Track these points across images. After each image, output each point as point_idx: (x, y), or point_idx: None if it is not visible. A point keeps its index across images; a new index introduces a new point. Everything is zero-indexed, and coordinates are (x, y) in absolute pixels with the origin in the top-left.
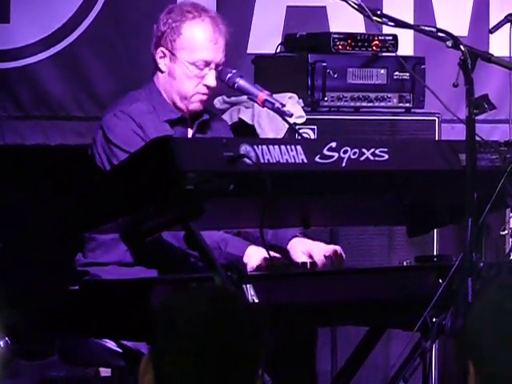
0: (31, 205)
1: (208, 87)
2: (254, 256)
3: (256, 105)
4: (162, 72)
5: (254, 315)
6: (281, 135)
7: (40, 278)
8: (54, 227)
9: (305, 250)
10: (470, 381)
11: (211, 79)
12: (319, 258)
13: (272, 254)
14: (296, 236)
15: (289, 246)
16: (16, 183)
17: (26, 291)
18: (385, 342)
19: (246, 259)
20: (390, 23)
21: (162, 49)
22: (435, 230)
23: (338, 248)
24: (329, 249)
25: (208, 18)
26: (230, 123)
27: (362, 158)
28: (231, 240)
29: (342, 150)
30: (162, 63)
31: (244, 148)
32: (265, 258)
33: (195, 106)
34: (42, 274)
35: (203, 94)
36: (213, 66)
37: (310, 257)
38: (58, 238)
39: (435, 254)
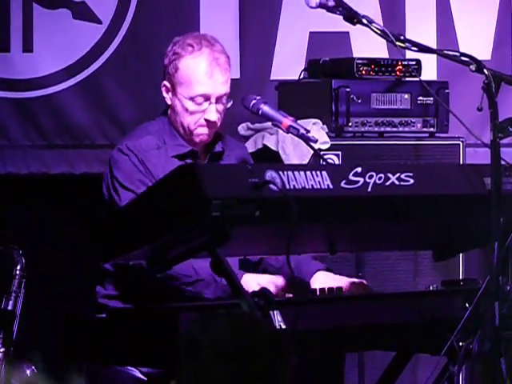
0: (57, 233)
1: (209, 122)
2: (251, 283)
3: (280, 131)
4: (168, 105)
5: (278, 341)
6: (305, 161)
7: (66, 306)
8: (81, 254)
9: (329, 284)
10: None
11: (212, 114)
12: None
13: (273, 278)
14: (319, 270)
15: (312, 280)
16: (41, 212)
17: (53, 318)
18: (412, 367)
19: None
20: (413, 48)
21: (165, 82)
22: (461, 254)
23: (362, 281)
24: (354, 281)
25: (208, 51)
26: (254, 150)
27: (388, 183)
28: None
29: (368, 175)
30: (168, 97)
31: (269, 174)
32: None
33: (201, 138)
34: (68, 302)
35: (205, 126)
36: (213, 100)
37: None
38: (83, 267)
39: (461, 278)
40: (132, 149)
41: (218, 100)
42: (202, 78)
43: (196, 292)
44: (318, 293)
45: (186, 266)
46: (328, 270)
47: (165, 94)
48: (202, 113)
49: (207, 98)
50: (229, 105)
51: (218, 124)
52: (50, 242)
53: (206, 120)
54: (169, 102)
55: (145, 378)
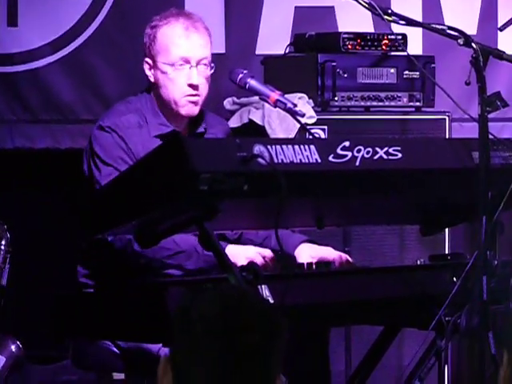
0: (42, 208)
1: (193, 86)
2: (239, 256)
3: (266, 105)
4: (152, 83)
5: (271, 313)
6: (291, 135)
7: (52, 281)
8: (66, 230)
9: (314, 255)
10: (503, 371)
11: (194, 77)
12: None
13: (260, 249)
14: (302, 242)
15: (296, 252)
16: (26, 186)
17: (38, 293)
18: (398, 342)
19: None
20: (400, 22)
21: (146, 59)
22: (446, 230)
23: (346, 256)
24: (338, 254)
25: (183, 19)
26: (239, 124)
27: (376, 157)
28: None
29: (356, 149)
30: (150, 74)
31: (258, 148)
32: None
33: (187, 109)
34: (54, 277)
35: (191, 95)
36: (193, 63)
37: None
38: (69, 244)
39: (447, 253)
40: (113, 127)
41: (199, 63)
42: (178, 41)
43: (177, 264)
44: (305, 267)
45: (166, 240)
46: (311, 241)
47: (147, 72)
48: (184, 77)
49: (187, 61)
50: (211, 71)
51: (204, 93)
52: (35, 216)
53: (189, 85)
54: (152, 79)
55: (121, 353)
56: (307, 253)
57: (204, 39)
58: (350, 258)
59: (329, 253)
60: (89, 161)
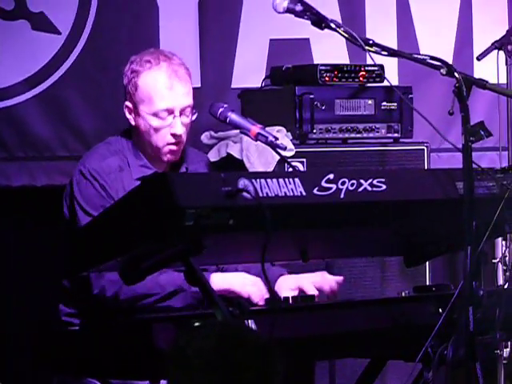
0: (19, 246)
1: (176, 136)
2: (236, 285)
3: (244, 139)
4: (133, 126)
5: (268, 350)
6: (270, 169)
7: (33, 319)
8: (45, 268)
9: (294, 286)
10: None
11: (178, 127)
12: (313, 291)
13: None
14: (282, 275)
15: (276, 287)
16: (3, 224)
17: (21, 330)
18: (385, 374)
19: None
20: (382, 52)
21: (127, 103)
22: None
23: (323, 273)
24: (316, 277)
25: (165, 64)
26: (218, 158)
27: (360, 189)
28: None
29: (340, 182)
30: (130, 117)
31: (242, 182)
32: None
33: (169, 157)
34: (33, 315)
35: (173, 144)
36: (177, 113)
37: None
38: (44, 281)
39: (428, 284)
40: (94, 173)
41: (182, 112)
42: (162, 92)
43: (166, 306)
44: (290, 301)
45: (150, 281)
46: (290, 273)
47: (128, 115)
48: (167, 127)
49: (171, 112)
50: (194, 117)
51: (184, 139)
52: (13, 254)
53: (172, 135)
54: (133, 123)
55: None
56: (286, 285)
57: (187, 87)
58: (325, 273)
59: (307, 279)
60: (69, 205)
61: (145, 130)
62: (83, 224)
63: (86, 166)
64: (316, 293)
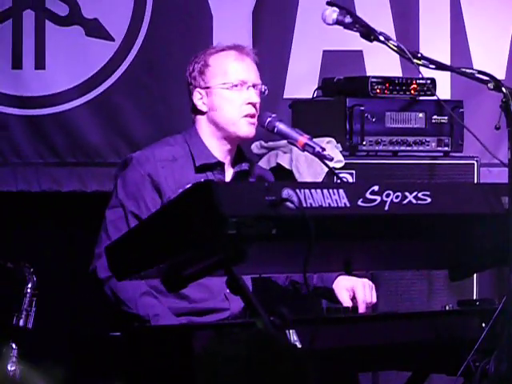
0: (69, 251)
1: (252, 105)
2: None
3: (294, 149)
4: (203, 114)
5: (297, 358)
6: (319, 180)
7: (79, 324)
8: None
9: (349, 286)
10: None
11: (253, 96)
12: (362, 296)
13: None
14: (340, 274)
15: (334, 285)
16: (53, 229)
17: (67, 337)
18: None
19: None
20: (430, 66)
21: (197, 90)
22: (474, 274)
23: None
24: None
25: (231, 47)
26: (267, 168)
27: (405, 202)
28: None
29: (385, 194)
30: (201, 104)
31: (286, 192)
32: None
33: (245, 130)
34: (80, 320)
35: (250, 115)
36: (250, 84)
37: (354, 295)
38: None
39: (475, 298)
40: (139, 160)
41: (255, 87)
42: (236, 65)
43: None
44: (331, 312)
45: (130, 297)
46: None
47: (198, 102)
48: (242, 99)
49: (244, 83)
50: (266, 92)
51: (258, 111)
52: (61, 260)
53: (248, 104)
54: (204, 109)
55: None
56: (343, 284)
57: (256, 68)
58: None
59: (364, 283)
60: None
61: (219, 105)
62: (110, 205)
63: (133, 155)
64: (367, 297)
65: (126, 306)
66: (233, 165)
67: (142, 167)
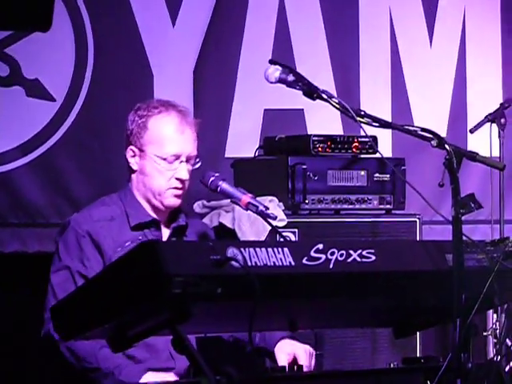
0: (10, 312)
1: (181, 180)
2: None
3: (236, 208)
4: (134, 172)
5: None
6: (262, 238)
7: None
8: (37, 334)
9: (290, 351)
10: None
11: (183, 172)
12: (304, 360)
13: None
14: (283, 338)
15: (275, 349)
16: None
17: None
18: None
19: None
20: (373, 124)
21: (131, 147)
22: (418, 332)
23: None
24: (306, 349)
25: (174, 111)
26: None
27: (350, 260)
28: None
29: (329, 252)
30: (133, 162)
31: (231, 251)
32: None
33: (170, 201)
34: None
35: (176, 188)
36: (183, 158)
37: (294, 359)
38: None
39: (418, 355)
40: (76, 223)
41: (188, 159)
42: (173, 136)
43: (96, 378)
44: (272, 371)
45: (89, 352)
46: (292, 337)
47: (130, 159)
48: (172, 171)
49: (178, 157)
50: (197, 165)
51: (186, 187)
52: (4, 320)
53: (177, 179)
54: (135, 167)
55: None
56: (285, 349)
57: (194, 135)
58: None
59: (306, 349)
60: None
61: (149, 172)
62: (54, 269)
63: (71, 218)
64: (307, 363)
65: (86, 361)
66: (170, 220)
67: (80, 227)
